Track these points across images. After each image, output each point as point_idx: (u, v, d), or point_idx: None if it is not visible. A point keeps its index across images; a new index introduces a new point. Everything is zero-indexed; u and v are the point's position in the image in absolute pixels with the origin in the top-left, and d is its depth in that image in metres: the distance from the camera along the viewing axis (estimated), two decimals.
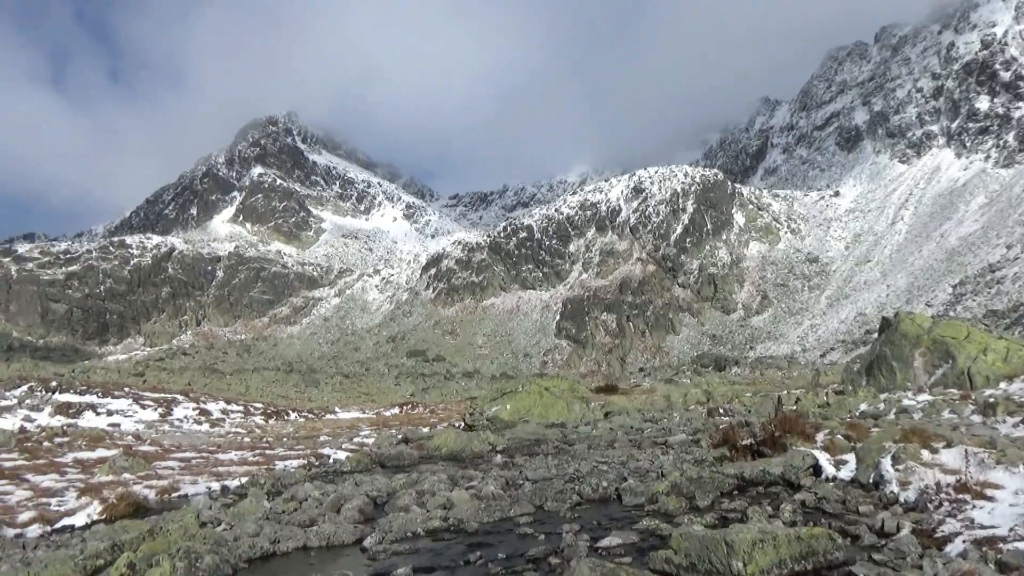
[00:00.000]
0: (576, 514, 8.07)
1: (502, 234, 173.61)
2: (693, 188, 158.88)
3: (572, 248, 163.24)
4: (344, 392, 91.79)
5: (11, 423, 25.58)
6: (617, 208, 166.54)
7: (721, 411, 21.35)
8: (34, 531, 10.05)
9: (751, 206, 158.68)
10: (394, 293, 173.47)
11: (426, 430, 21.77)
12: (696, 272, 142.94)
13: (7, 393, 32.80)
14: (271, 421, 34.27)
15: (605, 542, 6.45)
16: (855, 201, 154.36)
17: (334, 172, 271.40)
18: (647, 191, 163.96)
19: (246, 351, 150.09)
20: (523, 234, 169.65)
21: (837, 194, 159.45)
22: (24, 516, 10.77)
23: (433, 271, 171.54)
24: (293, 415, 38.21)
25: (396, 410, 42.50)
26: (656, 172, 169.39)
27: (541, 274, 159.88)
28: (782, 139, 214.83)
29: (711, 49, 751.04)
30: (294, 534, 7.84)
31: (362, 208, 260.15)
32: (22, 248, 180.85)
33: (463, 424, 23.23)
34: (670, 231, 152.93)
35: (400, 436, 19.92)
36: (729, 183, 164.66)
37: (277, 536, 7.75)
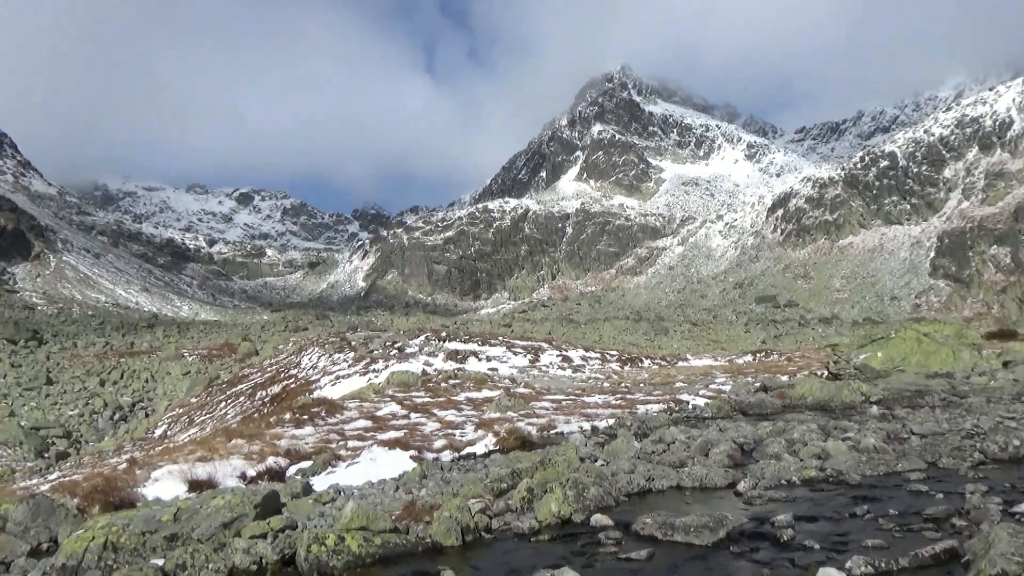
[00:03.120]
0: (980, 474, 7.17)
1: (859, 165, 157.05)
2: None
3: (947, 173, 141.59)
4: (693, 340, 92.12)
5: (416, 367, 30.34)
6: (1007, 120, 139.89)
7: None
8: (446, 456, 11.90)
9: None
10: (739, 238, 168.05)
11: (785, 378, 20.93)
12: None
13: (411, 342, 38.98)
14: (626, 368, 35.81)
15: (1023, 507, 5.65)
16: None
17: (670, 120, 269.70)
18: None
19: (597, 302, 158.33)
20: (884, 163, 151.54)
21: None
22: (438, 443, 12.82)
23: (780, 212, 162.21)
24: (646, 362, 39.45)
25: (749, 357, 41.49)
26: None
27: (908, 206, 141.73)
28: None
29: None
30: (666, 474, 8.17)
31: (701, 153, 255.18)
32: (410, 220, 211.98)
33: (826, 373, 21.85)
34: None
35: (758, 384, 19.45)
36: None
37: (651, 475, 8.15)
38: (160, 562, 6.46)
